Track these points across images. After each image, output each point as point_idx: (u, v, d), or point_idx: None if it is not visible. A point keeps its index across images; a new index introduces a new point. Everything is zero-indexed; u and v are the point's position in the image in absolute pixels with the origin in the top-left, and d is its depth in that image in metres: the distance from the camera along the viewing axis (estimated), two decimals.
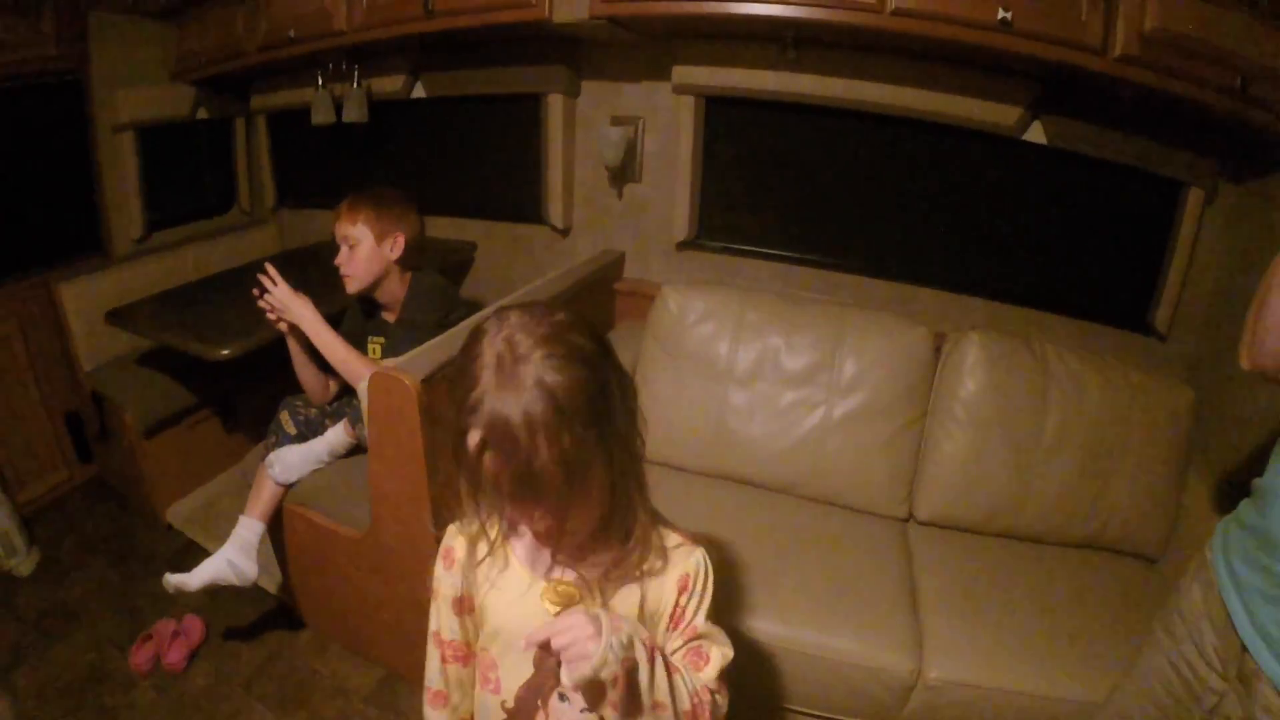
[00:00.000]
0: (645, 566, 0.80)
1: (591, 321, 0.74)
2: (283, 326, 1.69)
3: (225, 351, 1.81)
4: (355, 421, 1.70)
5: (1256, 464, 0.92)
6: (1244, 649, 0.83)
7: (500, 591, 0.81)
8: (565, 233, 2.40)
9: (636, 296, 2.21)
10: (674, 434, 1.88)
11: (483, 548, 0.82)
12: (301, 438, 1.79)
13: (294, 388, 1.83)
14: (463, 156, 2.58)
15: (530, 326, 0.68)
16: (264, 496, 1.71)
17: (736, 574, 1.53)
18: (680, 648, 0.82)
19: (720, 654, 0.82)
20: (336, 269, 1.72)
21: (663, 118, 2.13)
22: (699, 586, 0.82)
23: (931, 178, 2.03)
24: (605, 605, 0.78)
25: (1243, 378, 0.93)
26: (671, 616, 0.82)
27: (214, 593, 1.75)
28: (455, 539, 0.85)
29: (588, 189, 2.33)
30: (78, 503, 2.42)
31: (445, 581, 0.85)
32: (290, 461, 1.71)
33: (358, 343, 1.76)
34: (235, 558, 1.67)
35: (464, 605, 0.85)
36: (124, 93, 2.46)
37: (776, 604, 1.47)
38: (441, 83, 2.43)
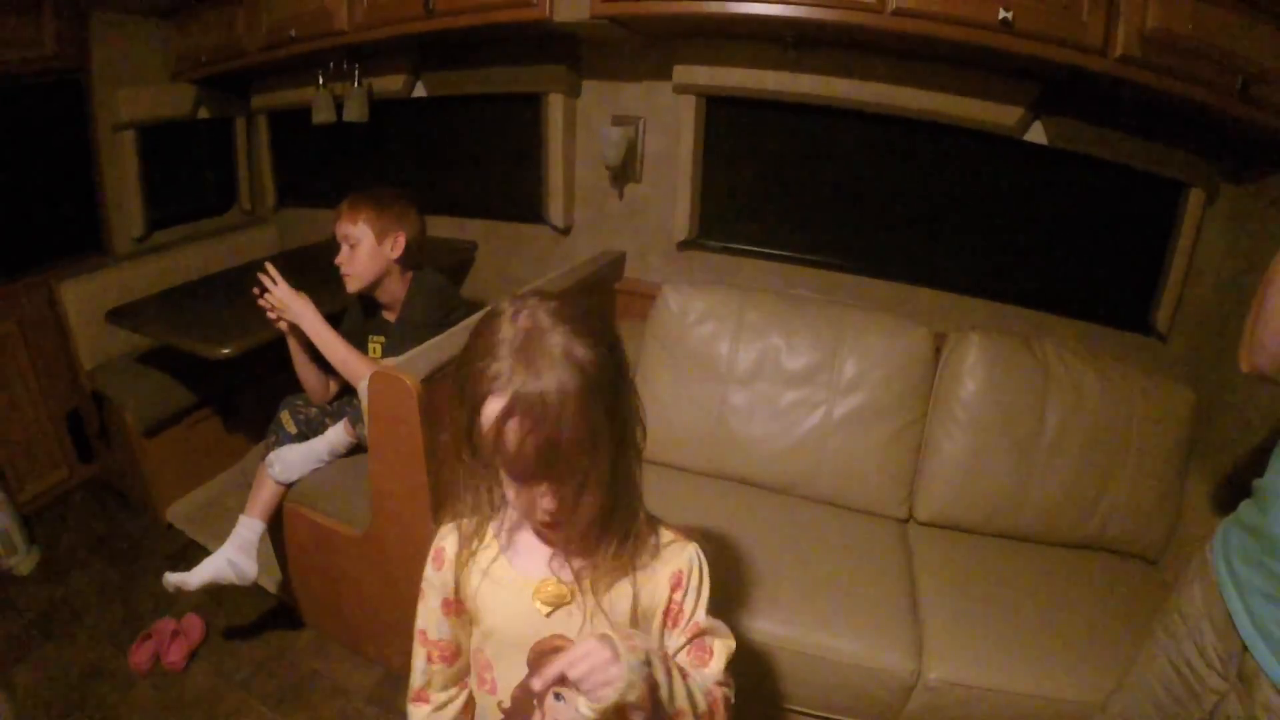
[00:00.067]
0: (638, 563, 0.79)
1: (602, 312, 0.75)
2: (283, 326, 1.69)
3: (226, 350, 1.81)
4: (355, 421, 1.70)
5: (1257, 464, 0.92)
6: (1245, 648, 0.83)
7: (492, 593, 0.80)
8: (566, 232, 2.40)
9: (637, 296, 2.21)
10: (674, 434, 1.88)
11: (476, 546, 0.82)
12: (302, 437, 1.79)
13: (294, 387, 1.83)
14: (463, 156, 2.58)
15: (551, 307, 0.69)
16: (264, 495, 1.71)
17: (736, 574, 1.53)
18: (684, 645, 0.82)
19: (724, 647, 0.82)
20: (337, 268, 1.72)
21: (663, 117, 2.13)
22: (695, 582, 0.82)
23: (932, 178, 2.03)
24: (598, 604, 0.77)
25: (1243, 379, 0.93)
26: (667, 613, 0.82)
27: (214, 592, 1.75)
28: (446, 539, 0.84)
29: (588, 189, 2.33)
30: (78, 502, 2.42)
31: (435, 582, 0.84)
32: (290, 461, 1.71)
33: (358, 342, 1.76)
34: (235, 557, 1.67)
35: (453, 606, 0.85)
36: (125, 92, 2.46)
37: (776, 604, 1.47)
38: (442, 82, 2.43)
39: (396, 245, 1.72)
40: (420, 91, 2.47)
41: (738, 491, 1.85)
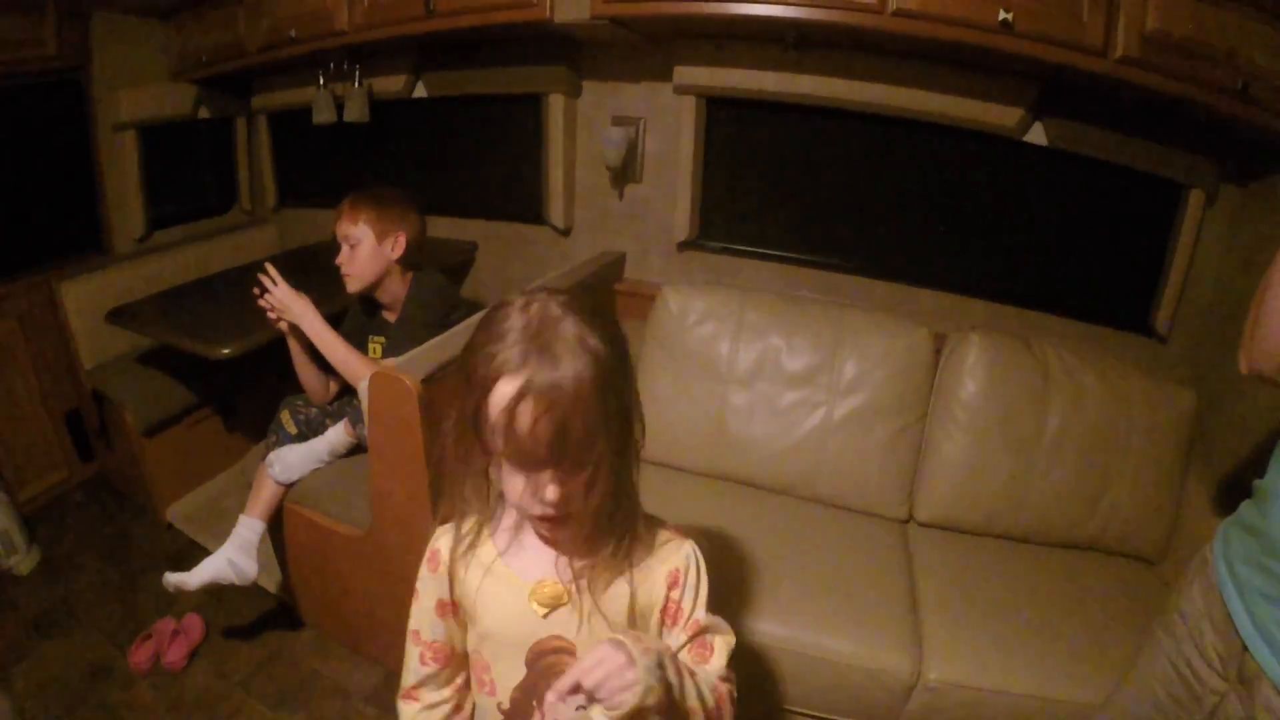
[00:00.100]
0: (635, 562, 0.79)
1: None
2: (283, 326, 1.69)
3: (226, 350, 1.81)
4: (356, 421, 1.70)
5: (1257, 465, 0.92)
6: (1245, 649, 0.83)
7: (489, 595, 0.79)
8: (566, 233, 2.40)
9: (637, 297, 2.21)
10: (674, 434, 1.88)
11: (468, 544, 0.81)
12: (302, 437, 1.80)
13: (294, 387, 1.83)
14: (464, 156, 2.58)
15: (561, 299, 0.69)
16: (264, 495, 1.71)
17: (736, 575, 1.53)
18: (686, 643, 0.81)
19: (724, 643, 0.82)
20: (337, 268, 1.72)
21: (664, 118, 2.14)
22: (692, 580, 0.81)
23: (932, 179, 2.03)
24: (596, 604, 0.76)
25: (1243, 380, 0.93)
26: (665, 612, 0.81)
27: (214, 592, 1.76)
28: (441, 540, 0.83)
29: (589, 189, 2.33)
30: (78, 501, 2.42)
31: (429, 583, 0.84)
32: (291, 461, 1.71)
33: (358, 342, 1.76)
34: (235, 557, 1.67)
35: (448, 607, 0.84)
36: (125, 92, 2.46)
37: (776, 605, 1.47)
38: (443, 82, 2.43)
39: (397, 245, 1.72)
40: (421, 92, 2.47)
41: (737, 492, 1.85)
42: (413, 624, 0.86)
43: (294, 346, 1.73)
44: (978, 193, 2.01)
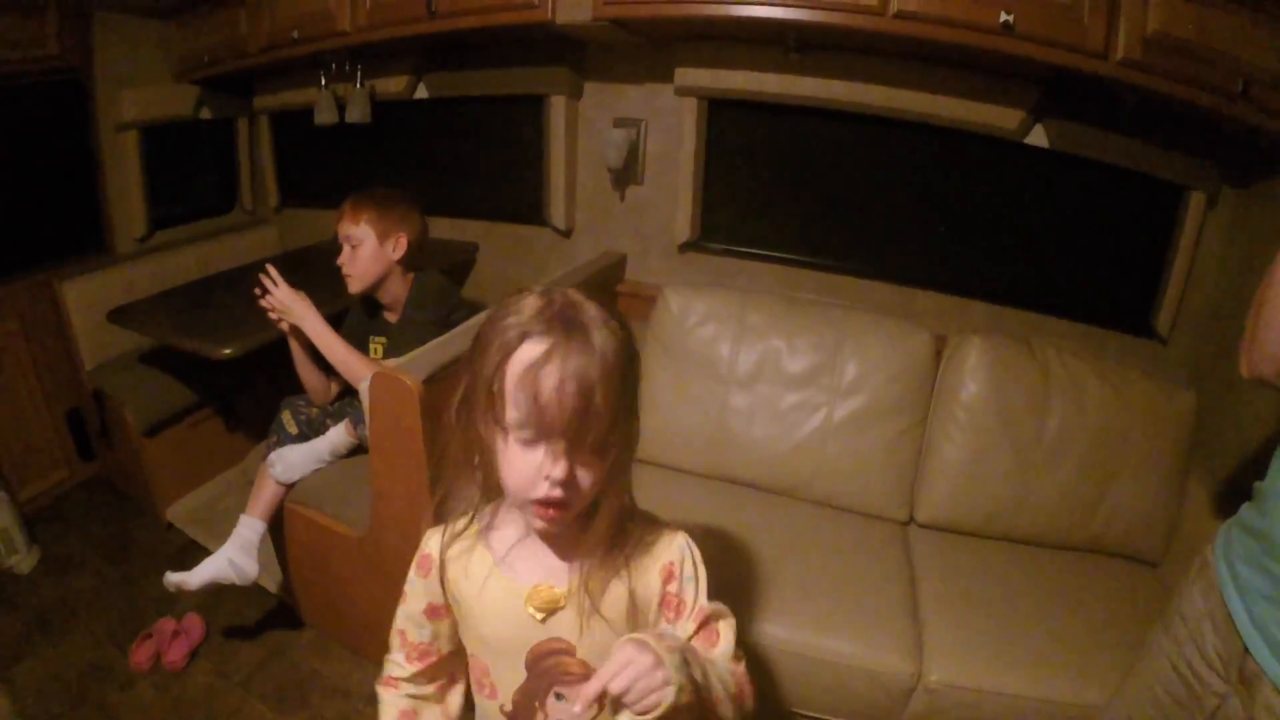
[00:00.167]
0: (629, 559, 0.78)
1: None
2: (284, 326, 1.69)
3: (227, 351, 1.81)
4: (357, 421, 1.70)
5: (1258, 467, 0.92)
6: (1246, 650, 0.83)
7: (485, 603, 0.78)
8: (567, 234, 2.40)
9: (638, 298, 2.21)
10: (675, 435, 1.88)
11: (461, 548, 0.80)
12: (303, 437, 1.80)
13: (295, 387, 1.83)
14: (465, 157, 2.58)
15: (572, 290, 0.69)
16: (265, 495, 1.71)
17: (737, 576, 1.53)
18: (694, 633, 0.80)
19: (729, 625, 0.81)
20: (338, 269, 1.73)
21: (665, 120, 2.14)
22: (690, 570, 0.80)
23: (933, 181, 2.04)
24: (594, 605, 0.75)
25: (1244, 382, 0.93)
26: (664, 605, 0.80)
27: (214, 591, 1.75)
28: (432, 543, 0.82)
29: (590, 191, 2.33)
30: (78, 501, 2.42)
31: (419, 587, 0.83)
32: (292, 461, 1.72)
33: (359, 343, 1.76)
34: (236, 556, 1.67)
35: (439, 611, 0.83)
36: (127, 92, 2.47)
37: (777, 606, 1.47)
38: (445, 83, 2.43)
39: (398, 246, 1.72)
40: (422, 93, 2.48)
41: (738, 494, 1.85)
42: (399, 624, 0.86)
43: (295, 347, 1.73)
44: (979, 195, 2.01)
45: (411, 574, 0.84)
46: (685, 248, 2.24)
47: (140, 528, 2.30)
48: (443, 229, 2.57)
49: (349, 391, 1.79)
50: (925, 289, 2.08)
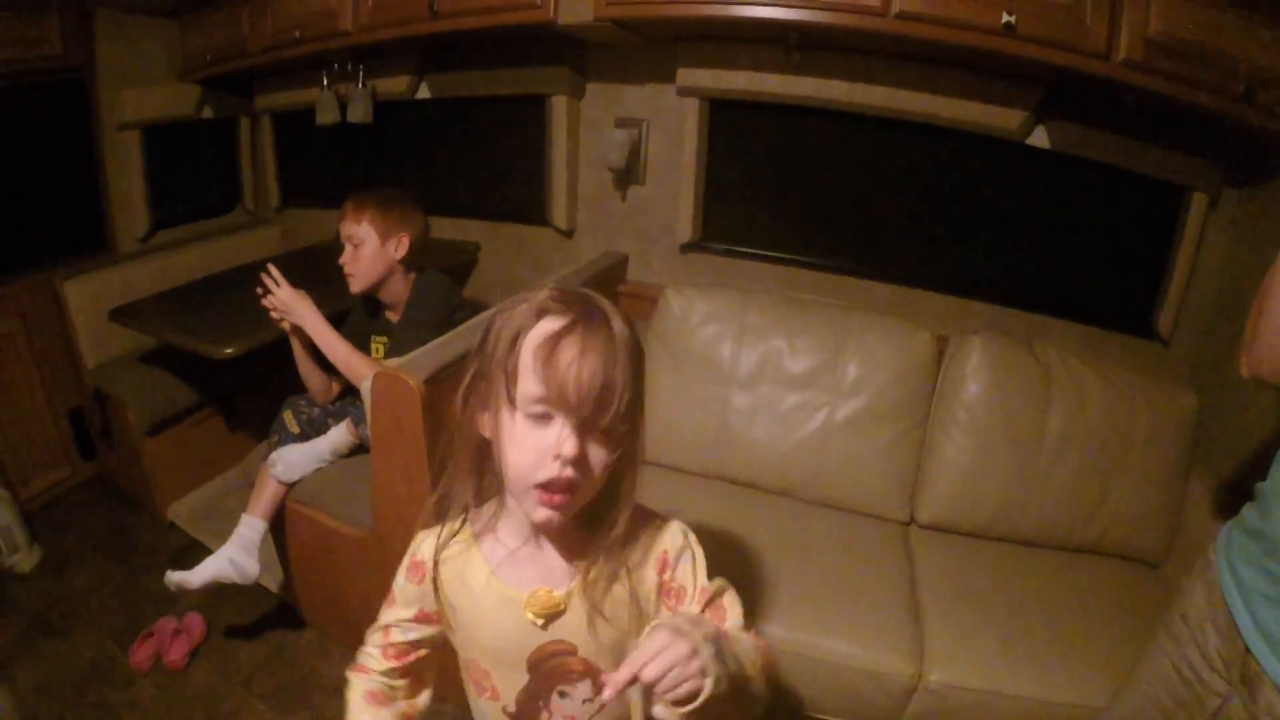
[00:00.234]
0: (628, 557, 0.76)
1: None
2: (286, 326, 1.69)
3: (228, 350, 1.81)
4: (358, 421, 1.70)
5: (1259, 468, 0.92)
6: (1247, 651, 0.83)
7: (484, 613, 0.77)
8: (569, 234, 2.40)
9: (640, 298, 2.21)
10: (676, 436, 1.89)
11: (455, 553, 0.78)
12: (304, 437, 1.80)
13: (297, 387, 1.83)
14: (467, 157, 2.58)
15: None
16: (266, 495, 1.71)
17: (737, 576, 1.51)
18: (702, 612, 0.78)
19: (733, 598, 0.79)
20: (340, 268, 1.73)
21: (667, 120, 2.14)
22: (686, 556, 0.79)
23: (935, 181, 2.04)
24: (598, 610, 0.74)
25: (1245, 382, 0.93)
26: (664, 594, 0.79)
27: (216, 591, 1.75)
28: (425, 548, 0.80)
29: (592, 191, 2.33)
30: (80, 500, 2.42)
31: (411, 593, 0.81)
32: (293, 460, 1.72)
33: (361, 342, 1.76)
34: (237, 556, 1.67)
35: (429, 619, 0.82)
36: (129, 91, 2.47)
37: (777, 607, 1.47)
38: (446, 84, 2.44)
39: (400, 246, 1.72)
40: (424, 93, 2.48)
41: (739, 494, 1.85)
42: (384, 622, 0.85)
43: (296, 346, 1.74)
44: (980, 195, 2.01)
45: (401, 578, 0.82)
46: (687, 248, 2.24)
47: (141, 527, 2.30)
48: (444, 229, 2.57)
49: (350, 391, 1.79)
50: (926, 289, 2.08)
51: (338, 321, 1.74)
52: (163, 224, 2.70)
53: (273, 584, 1.95)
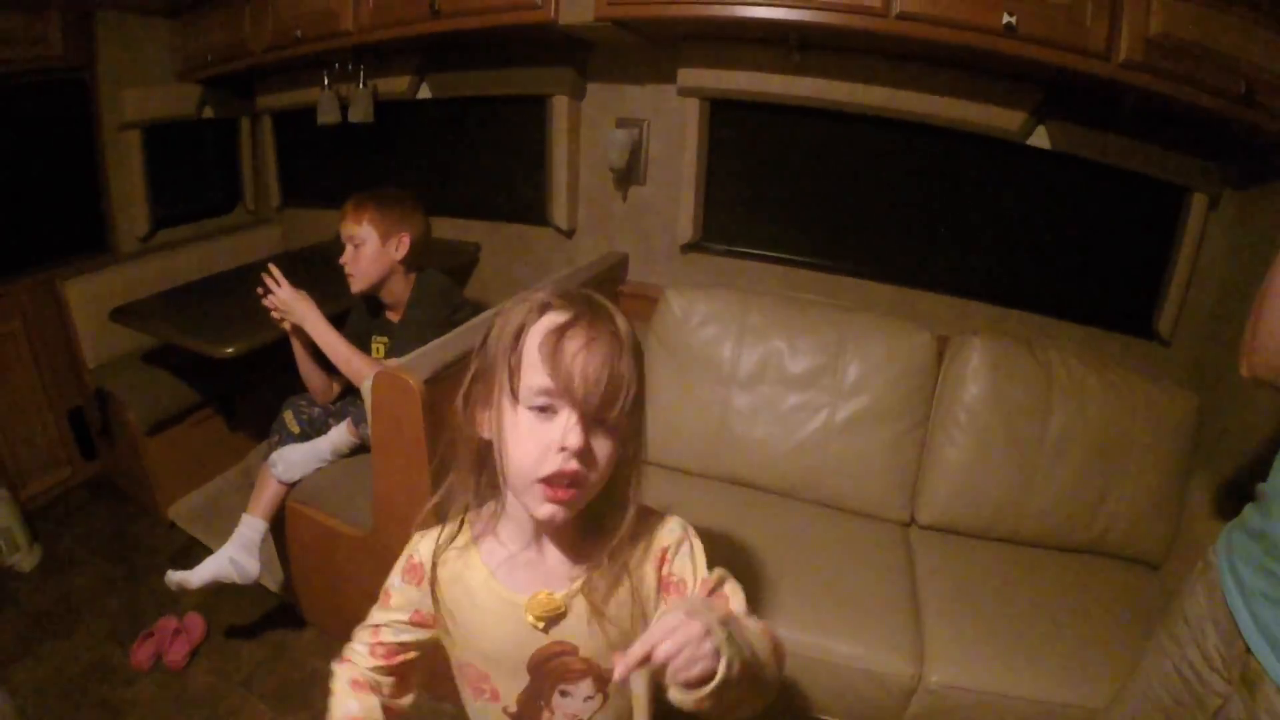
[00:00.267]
0: (629, 558, 0.76)
1: None
2: (286, 326, 1.70)
3: (229, 350, 1.81)
4: (359, 421, 1.70)
5: (1260, 468, 0.92)
6: (1248, 652, 0.83)
7: (485, 618, 0.76)
8: (569, 234, 2.40)
9: (640, 299, 2.21)
10: (677, 436, 1.89)
11: (454, 555, 0.78)
12: (305, 436, 1.80)
13: (298, 387, 1.83)
14: (468, 157, 2.58)
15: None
16: (267, 495, 1.71)
17: (737, 577, 1.52)
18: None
19: (734, 586, 0.79)
20: (341, 268, 1.73)
21: (668, 120, 2.14)
22: (685, 549, 0.79)
23: (935, 182, 2.03)
24: (602, 614, 0.74)
25: (1246, 383, 0.93)
26: (664, 589, 0.78)
27: (216, 590, 1.75)
28: (423, 549, 0.79)
29: (592, 191, 2.33)
30: (80, 499, 2.42)
31: (407, 594, 0.80)
32: (293, 460, 1.72)
33: (362, 342, 1.76)
34: (237, 555, 1.67)
35: (424, 622, 0.81)
36: (130, 91, 2.47)
37: (778, 607, 1.47)
38: (447, 84, 2.44)
39: (401, 246, 1.72)
40: (425, 93, 2.48)
41: (740, 494, 1.85)
42: (375, 621, 0.83)
43: (297, 346, 1.74)
44: (981, 196, 2.01)
45: (397, 579, 0.81)
46: (687, 248, 2.24)
47: (142, 526, 2.31)
48: (445, 229, 2.57)
49: (351, 391, 1.79)
50: (927, 290, 2.08)
51: (338, 321, 1.74)
52: (163, 224, 2.70)
53: (273, 584, 1.95)
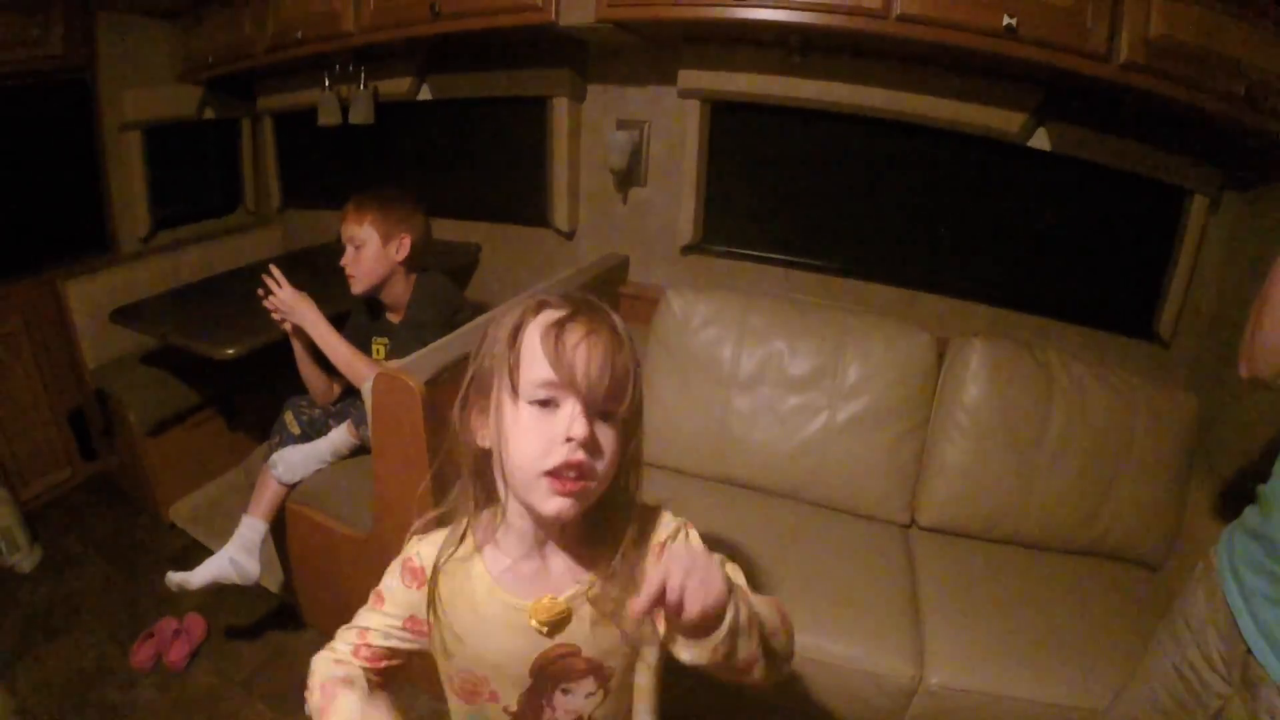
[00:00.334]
0: (631, 562, 0.75)
1: None
2: (287, 327, 1.70)
3: (230, 351, 1.81)
4: (359, 422, 1.70)
5: (1260, 470, 0.92)
6: (1249, 653, 0.83)
7: (489, 627, 0.74)
8: (570, 236, 2.41)
9: (641, 300, 2.21)
10: (677, 438, 1.89)
11: (456, 561, 0.76)
12: (305, 438, 1.80)
13: (298, 388, 1.83)
14: (469, 159, 2.58)
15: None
16: (267, 496, 1.71)
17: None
18: None
19: (735, 569, 0.78)
20: (342, 270, 1.73)
21: (668, 122, 2.14)
22: (681, 536, 0.79)
23: (936, 183, 2.04)
24: (604, 613, 0.73)
25: (1245, 384, 0.94)
26: None
27: (216, 591, 1.75)
28: (423, 552, 0.78)
29: (593, 192, 2.33)
30: (81, 500, 2.42)
31: (404, 597, 0.78)
32: (294, 461, 1.72)
33: (362, 343, 1.76)
34: (238, 556, 1.67)
35: (419, 628, 0.79)
36: (131, 92, 2.48)
37: None
38: (448, 85, 2.44)
39: (401, 247, 1.72)
40: (426, 94, 2.48)
41: (740, 496, 1.85)
42: (363, 623, 0.81)
43: (298, 347, 1.74)
44: (981, 198, 2.01)
45: (394, 581, 0.80)
46: (688, 250, 2.25)
47: (142, 527, 2.30)
48: (446, 230, 2.57)
49: (351, 392, 1.79)
50: (927, 292, 2.08)
51: (339, 322, 1.74)
52: (164, 224, 2.70)
53: (273, 585, 1.95)
